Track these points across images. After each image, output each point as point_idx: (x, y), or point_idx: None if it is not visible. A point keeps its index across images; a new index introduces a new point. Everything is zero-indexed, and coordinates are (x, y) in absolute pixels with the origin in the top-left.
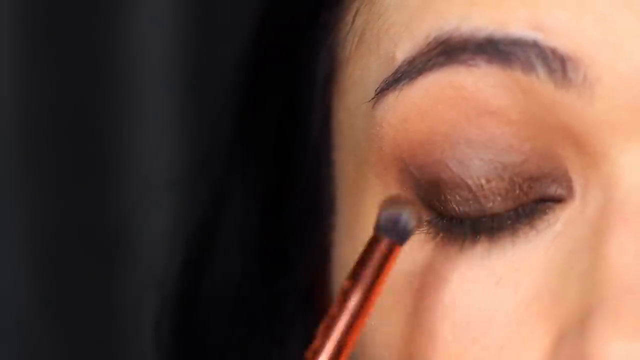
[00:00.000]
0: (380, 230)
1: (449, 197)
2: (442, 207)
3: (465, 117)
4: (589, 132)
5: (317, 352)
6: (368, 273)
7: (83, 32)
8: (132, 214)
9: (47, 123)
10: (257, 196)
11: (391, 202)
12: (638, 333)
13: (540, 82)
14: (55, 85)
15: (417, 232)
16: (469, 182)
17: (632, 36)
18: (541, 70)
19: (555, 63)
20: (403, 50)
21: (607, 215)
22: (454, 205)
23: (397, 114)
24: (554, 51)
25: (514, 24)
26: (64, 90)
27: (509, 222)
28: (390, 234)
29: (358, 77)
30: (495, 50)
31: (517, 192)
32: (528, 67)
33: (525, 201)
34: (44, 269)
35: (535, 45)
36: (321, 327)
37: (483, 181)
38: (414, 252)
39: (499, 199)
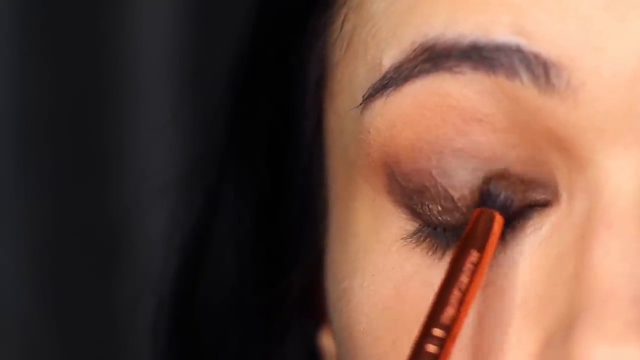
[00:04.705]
0: (494, 205)
1: (431, 206)
2: (425, 216)
3: (451, 125)
4: (573, 137)
5: (455, 319)
6: (488, 244)
7: (83, 32)
8: (132, 215)
9: (47, 123)
10: (251, 201)
11: (494, 180)
12: (622, 337)
13: (524, 88)
14: (55, 85)
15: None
16: (452, 192)
17: (614, 39)
18: (525, 76)
19: (539, 68)
20: (390, 56)
21: (592, 220)
22: (437, 215)
23: (385, 121)
24: (537, 56)
25: (498, 30)
26: (64, 90)
27: None
28: (501, 209)
29: (347, 82)
30: (479, 56)
31: None
32: (512, 73)
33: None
34: (44, 269)
35: (518, 51)
36: (453, 296)
37: (466, 192)
38: (400, 259)
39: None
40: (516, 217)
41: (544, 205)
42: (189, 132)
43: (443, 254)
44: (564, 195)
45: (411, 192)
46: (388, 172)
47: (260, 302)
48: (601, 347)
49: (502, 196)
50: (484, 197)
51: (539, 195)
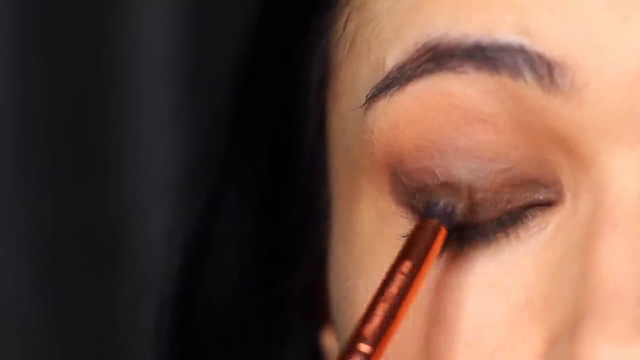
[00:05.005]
0: (433, 214)
1: None
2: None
3: (454, 125)
4: (577, 137)
5: (383, 331)
6: (425, 255)
7: (83, 32)
8: (132, 215)
9: (47, 123)
10: (253, 200)
11: (440, 188)
12: (627, 337)
13: (528, 88)
14: (55, 85)
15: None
16: None
17: (618, 39)
18: (528, 76)
19: (542, 68)
20: (393, 56)
21: (597, 220)
22: None
23: (388, 120)
24: (540, 56)
25: (501, 29)
26: (64, 90)
27: (499, 227)
28: (441, 218)
29: (349, 83)
30: (483, 56)
31: (505, 199)
32: (515, 73)
33: (515, 207)
34: (44, 269)
35: (522, 51)
36: (380, 307)
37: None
38: None
39: (485, 206)
40: (519, 217)
41: (548, 204)
42: (189, 132)
43: (452, 252)
44: (568, 195)
45: (414, 190)
46: (391, 172)
47: (262, 302)
48: (606, 347)
49: (440, 205)
50: (425, 207)
51: (542, 196)
